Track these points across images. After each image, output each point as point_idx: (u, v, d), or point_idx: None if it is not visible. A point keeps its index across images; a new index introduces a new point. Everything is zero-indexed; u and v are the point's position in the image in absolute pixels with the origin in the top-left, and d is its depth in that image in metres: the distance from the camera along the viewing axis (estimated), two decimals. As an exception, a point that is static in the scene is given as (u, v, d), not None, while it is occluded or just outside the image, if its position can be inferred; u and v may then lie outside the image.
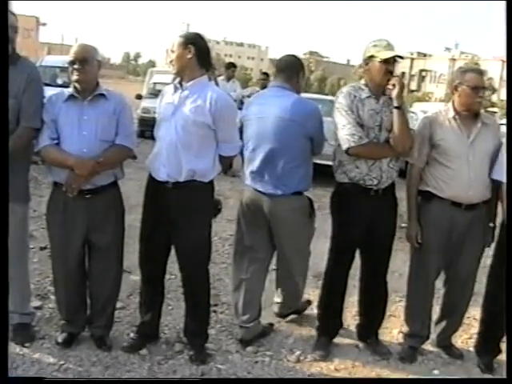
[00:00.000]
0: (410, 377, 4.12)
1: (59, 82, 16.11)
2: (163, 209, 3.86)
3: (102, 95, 3.80)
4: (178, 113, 3.76)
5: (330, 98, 12.58)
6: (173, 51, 3.82)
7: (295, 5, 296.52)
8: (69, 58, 3.73)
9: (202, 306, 4.09)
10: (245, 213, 4.34)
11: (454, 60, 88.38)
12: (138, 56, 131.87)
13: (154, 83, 17.61)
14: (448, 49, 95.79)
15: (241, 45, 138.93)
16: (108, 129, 3.77)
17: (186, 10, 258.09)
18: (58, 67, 16.68)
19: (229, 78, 11.51)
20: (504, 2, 3.16)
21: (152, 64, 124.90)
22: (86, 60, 3.71)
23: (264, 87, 11.84)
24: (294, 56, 4.46)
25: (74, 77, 3.71)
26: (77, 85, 3.74)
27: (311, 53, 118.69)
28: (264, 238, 4.34)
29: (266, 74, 12.74)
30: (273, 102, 4.16)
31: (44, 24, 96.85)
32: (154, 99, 15.81)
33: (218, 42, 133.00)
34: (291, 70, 4.28)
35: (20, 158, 3.80)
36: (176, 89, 3.84)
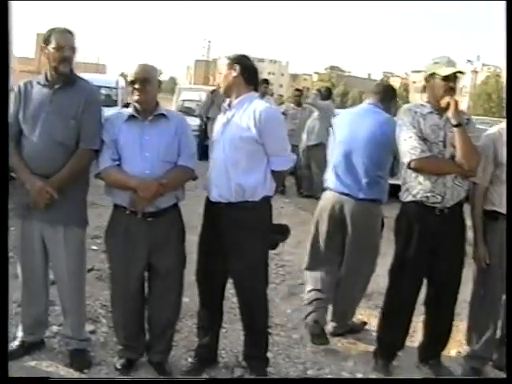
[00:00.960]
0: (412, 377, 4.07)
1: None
2: (218, 231, 3.79)
3: (163, 115, 3.73)
4: (226, 131, 3.73)
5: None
6: (220, 73, 3.84)
7: (315, 20, 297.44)
8: (129, 77, 3.67)
9: (260, 329, 4.00)
10: (323, 220, 4.60)
11: (476, 72, 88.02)
12: (159, 73, 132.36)
13: (183, 100, 17.65)
14: (470, 61, 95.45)
15: (262, 60, 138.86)
16: (170, 149, 3.69)
17: (208, 27, 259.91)
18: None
19: (263, 95, 11.39)
20: (504, 2, 3.10)
21: (173, 81, 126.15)
22: (147, 80, 3.64)
23: (298, 104, 11.78)
24: (390, 85, 5.30)
25: (135, 97, 3.65)
26: (137, 105, 3.67)
27: (332, 67, 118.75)
28: (339, 248, 4.58)
29: (299, 90, 12.63)
30: (368, 115, 4.60)
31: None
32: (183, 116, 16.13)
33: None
34: (386, 94, 4.77)
35: (79, 180, 3.77)
36: (225, 110, 3.80)
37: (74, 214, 3.78)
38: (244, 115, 3.69)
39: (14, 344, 3.98)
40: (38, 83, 3.73)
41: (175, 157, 3.71)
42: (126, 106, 15.19)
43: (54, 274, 3.93)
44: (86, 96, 3.73)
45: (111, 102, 15.96)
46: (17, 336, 4.04)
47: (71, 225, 3.77)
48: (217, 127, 3.86)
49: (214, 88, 12.42)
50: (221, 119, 3.83)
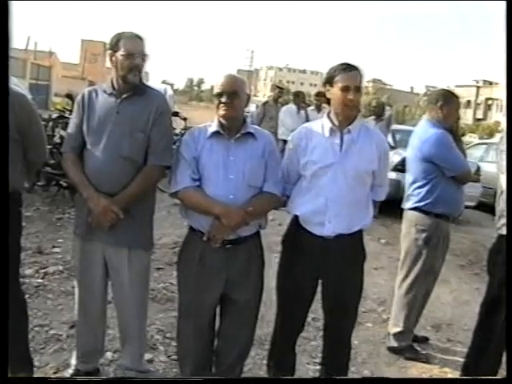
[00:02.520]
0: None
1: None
2: (318, 260, 3.46)
3: (250, 134, 3.35)
4: (347, 160, 3.38)
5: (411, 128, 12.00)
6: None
7: (358, 32, 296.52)
8: (216, 89, 3.29)
9: (347, 341, 3.72)
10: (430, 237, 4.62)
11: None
12: (201, 82, 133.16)
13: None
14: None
15: (303, 71, 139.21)
16: (256, 173, 3.30)
17: (251, 37, 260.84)
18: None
19: (318, 108, 11.02)
20: (504, 2, 2.93)
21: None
22: (236, 93, 3.25)
23: (378, 116, 11.31)
24: (442, 89, 4.98)
25: (221, 111, 3.25)
26: (223, 120, 3.28)
27: (374, 80, 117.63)
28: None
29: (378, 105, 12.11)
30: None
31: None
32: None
33: (280, 69, 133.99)
34: (431, 102, 4.69)
35: (145, 199, 3.47)
36: (332, 131, 3.41)
37: (139, 236, 3.48)
38: (366, 145, 3.42)
39: (67, 372, 3.71)
40: (104, 92, 3.44)
41: (261, 181, 3.33)
42: (175, 114, 15.07)
43: (115, 299, 3.61)
44: (156, 107, 3.40)
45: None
46: (70, 363, 3.77)
47: (136, 247, 3.47)
48: (323, 150, 3.43)
49: (266, 100, 12.07)
50: (326, 141, 3.43)
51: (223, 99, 3.23)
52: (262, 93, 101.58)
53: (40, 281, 5.48)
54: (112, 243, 3.40)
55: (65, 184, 8.75)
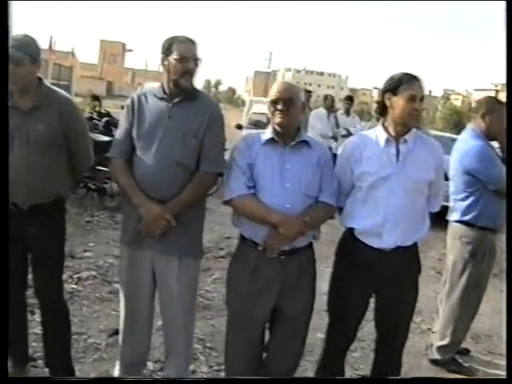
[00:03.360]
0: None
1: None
2: (375, 273, 3.37)
3: (305, 142, 3.26)
4: (404, 171, 3.29)
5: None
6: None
7: (375, 35, 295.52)
8: (271, 96, 3.19)
9: (400, 351, 3.63)
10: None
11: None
12: (218, 83, 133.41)
13: (254, 113, 17.22)
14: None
15: (321, 74, 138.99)
16: (312, 182, 3.22)
17: (269, 39, 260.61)
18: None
19: (347, 113, 10.91)
20: (504, 2, 2.92)
21: (232, 91, 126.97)
22: (292, 101, 3.16)
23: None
24: (485, 96, 4.78)
25: (277, 119, 3.16)
26: (278, 128, 3.20)
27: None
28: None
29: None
30: None
31: (130, 50, 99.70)
32: (255, 129, 15.75)
33: (298, 71, 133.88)
34: (475, 111, 4.63)
35: (197, 205, 3.37)
36: (388, 141, 3.31)
37: (190, 245, 3.37)
38: (423, 154, 3.34)
39: (110, 383, 3.59)
40: (155, 96, 3.34)
41: (316, 191, 3.25)
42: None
43: (162, 309, 3.48)
44: (210, 112, 3.31)
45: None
46: (112, 375, 3.67)
47: (187, 256, 3.36)
48: (378, 162, 3.33)
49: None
50: (383, 151, 3.32)
51: (279, 106, 3.15)
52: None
53: (74, 286, 5.40)
54: (162, 251, 3.30)
55: (93, 186, 8.69)
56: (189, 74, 3.25)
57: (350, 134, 9.78)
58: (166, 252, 3.30)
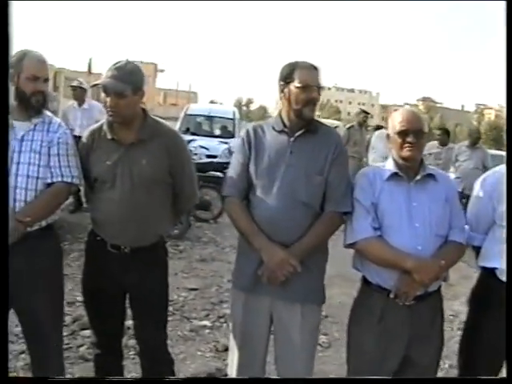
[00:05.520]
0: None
1: (204, 131, 16.13)
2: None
3: (431, 176, 2.99)
4: None
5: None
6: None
7: (407, 51, 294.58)
8: (400, 126, 2.94)
9: None
10: None
11: None
12: (249, 102, 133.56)
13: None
14: None
15: (351, 91, 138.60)
16: (442, 220, 2.94)
17: (297, 56, 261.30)
18: (203, 116, 16.71)
19: (377, 128, 10.60)
20: (504, 2, 2.78)
21: (263, 110, 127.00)
22: (422, 132, 2.94)
23: (443, 143, 10.81)
24: None
25: (406, 152, 2.91)
26: (403, 161, 2.95)
27: (424, 98, 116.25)
28: None
29: (446, 130, 11.62)
30: None
31: (162, 70, 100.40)
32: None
33: (329, 88, 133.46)
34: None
35: (321, 248, 3.09)
36: None
37: (313, 290, 3.09)
38: None
39: None
40: (273, 128, 3.08)
41: (446, 229, 2.96)
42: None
43: (280, 357, 3.16)
44: (334, 147, 3.04)
45: (227, 134, 15.59)
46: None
47: (310, 302, 3.08)
48: None
49: (351, 124, 11.67)
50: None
51: (409, 139, 2.91)
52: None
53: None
54: (283, 297, 3.02)
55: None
56: (312, 103, 3.00)
57: None
58: (288, 298, 3.02)
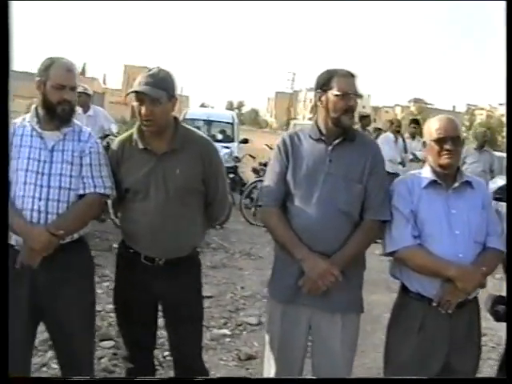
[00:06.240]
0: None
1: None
2: None
3: (468, 183, 2.99)
4: None
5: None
6: None
7: (397, 53, 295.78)
8: (437, 134, 2.92)
9: None
10: None
11: None
12: (241, 105, 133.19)
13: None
14: None
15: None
16: (480, 227, 2.93)
17: (288, 59, 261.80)
18: (201, 120, 16.64)
19: (413, 136, 10.55)
20: (504, 2, 2.75)
21: (255, 112, 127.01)
22: (459, 139, 2.96)
23: (482, 147, 10.62)
24: None
25: (445, 160, 2.90)
26: (441, 169, 2.94)
27: (416, 100, 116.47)
28: None
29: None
30: None
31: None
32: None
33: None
34: None
35: (359, 257, 3.07)
36: None
37: (353, 299, 3.06)
38: None
39: None
40: (310, 137, 3.04)
41: (484, 236, 2.95)
42: (245, 141, 14.51)
43: (317, 368, 3.11)
44: (373, 155, 3.03)
45: (227, 138, 15.54)
46: None
47: (350, 312, 3.05)
48: None
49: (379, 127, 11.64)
50: None
51: (448, 146, 2.90)
52: (302, 115, 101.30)
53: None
54: (323, 308, 2.98)
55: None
56: (350, 111, 2.97)
57: (417, 158, 9.42)
58: (329, 309, 2.98)
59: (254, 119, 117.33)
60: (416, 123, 11.00)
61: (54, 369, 4.24)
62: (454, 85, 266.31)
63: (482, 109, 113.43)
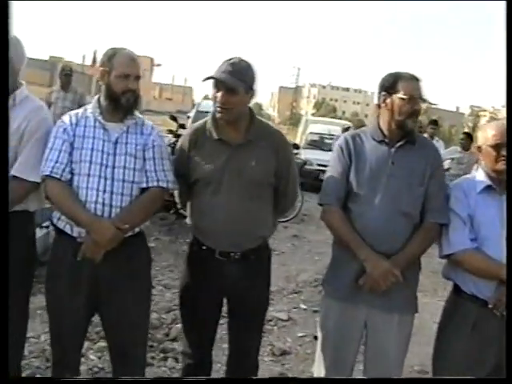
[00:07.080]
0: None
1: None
2: None
3: None
4: None
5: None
6: None
7: (401, 50, 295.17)
8: (494, 140, 2.92)
9: None
10: None
11: None
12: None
13: (311, 133, 16.92)
14: None
15: (346, 90, 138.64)
16: None
17: (292, 54, 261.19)
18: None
19: (431, 137, 10.52)
20: (504, 2, 2.83)
21: (259, 107, 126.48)
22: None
23: (466, 147, 10.66)
24: None
25: (501, 166, 2.90)
26: (495, 174, 2.96)
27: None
28: None
29: (469, 134, 11.37)
30: None
31: (159, 65, 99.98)
32: (313, 150, 15.46)
33: (324, 87, 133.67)
34: None
35: (415, 262, 3.11)
36: None
37: (410, 300, 3.11)
38: None
39: None
40: (372, 138, 3.07)
41: None
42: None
43: (370, 365, 3.15)
44: (433, 158, 3.08)
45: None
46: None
47: (407, 313, 3.10)
48: None
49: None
50: None
51: (504, 152, 2.89)
52: (305, 110, 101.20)
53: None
54: (381, 307, 3.02)
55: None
56: (415, 114, 3.00)
57: None
58: (387, 308, 3.02)
59: (257, 112, 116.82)
60: (435, 124, 11.02)
61: (91, 360, 4.27)
62: (458, 86, 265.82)
63: (486, 110, 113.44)
